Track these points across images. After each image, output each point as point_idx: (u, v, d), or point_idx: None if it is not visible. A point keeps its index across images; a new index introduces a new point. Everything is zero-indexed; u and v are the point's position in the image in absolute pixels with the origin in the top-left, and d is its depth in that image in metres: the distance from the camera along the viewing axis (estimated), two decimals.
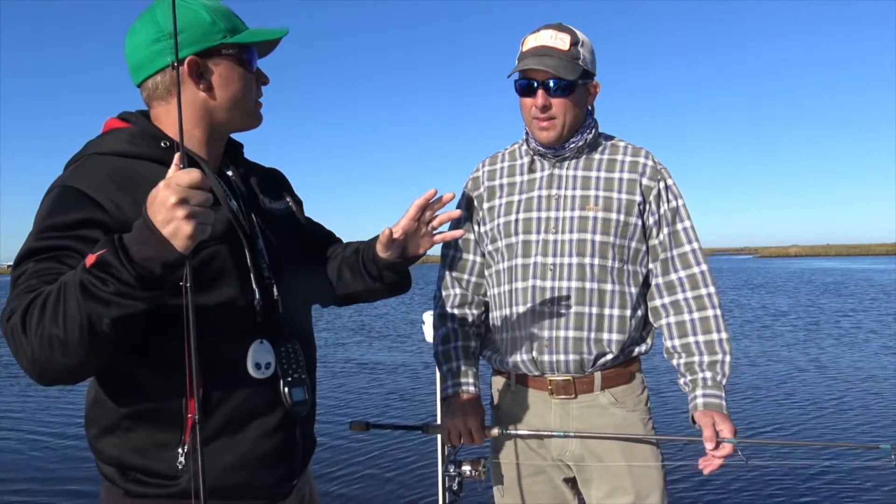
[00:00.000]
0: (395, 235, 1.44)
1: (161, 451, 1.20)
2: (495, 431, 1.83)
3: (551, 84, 1.72)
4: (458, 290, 1.94)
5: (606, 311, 1.77)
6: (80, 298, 0.99)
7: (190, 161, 1.24)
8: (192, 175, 0.97)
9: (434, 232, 1.49)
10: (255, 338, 1.26)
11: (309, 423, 1.40)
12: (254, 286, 1.27)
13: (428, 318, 2.06)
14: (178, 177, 0.97)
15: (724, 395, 1.75)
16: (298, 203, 1.54)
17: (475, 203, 1.94)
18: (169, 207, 0.96)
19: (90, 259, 1.00)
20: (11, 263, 1.18)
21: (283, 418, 1.30)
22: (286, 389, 1.29)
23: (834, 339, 11.62)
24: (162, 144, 1.24)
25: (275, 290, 1.31)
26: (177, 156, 1.01)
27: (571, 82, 1.72)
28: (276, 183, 1.50)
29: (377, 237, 1.46)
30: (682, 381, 1.82)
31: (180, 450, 1.19)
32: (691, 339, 1.80)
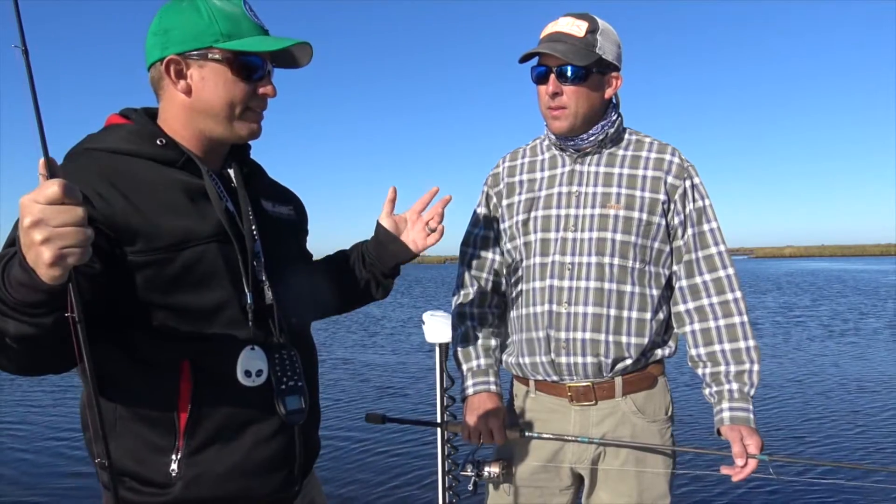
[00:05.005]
0: (399, 216, 1.58)
1: (155, 456, 1.18)
2: (516, 433, 1.78)
3: (562, 70, 1.67)
4: (476, 289, 1.90)
5: (625, 314, 1.72)
6: None
7: (187, 159, 1.22)
8: (50, 189, 0.83)
9: (430, 230, 1.56)
10: (247, 344, 1.22)
11: (311, 427, 1.37)
12: (246, 290, 1.23)
13: (428, 318, 2.02)
14: (37, 192, 0.84)
15: (751, 407, 1.70)
16: (304, 230, 1.53)
17: (495, 199, 1.89)
18: (25, 230, 0.84)
19: None
20: None
21: (281, 425, 1.27)
22: (279, 398, 1.25)
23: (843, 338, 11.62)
24: (158, 142, 1.22)
25: (269, 293, 1.28)
26: (40, 162, 0.86)
27: (583, 69, 1.66)
28: (283, 192, 1.48)
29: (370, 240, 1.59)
30: (707, 391, 1.77)
31: (174, 456, 1.17)
32: (717, 347, 1.75)
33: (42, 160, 0.86)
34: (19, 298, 0.91)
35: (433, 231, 1.55)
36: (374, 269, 1.58)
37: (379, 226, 1.58)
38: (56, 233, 0.84)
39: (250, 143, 1.40)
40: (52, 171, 0.86)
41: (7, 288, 0.91)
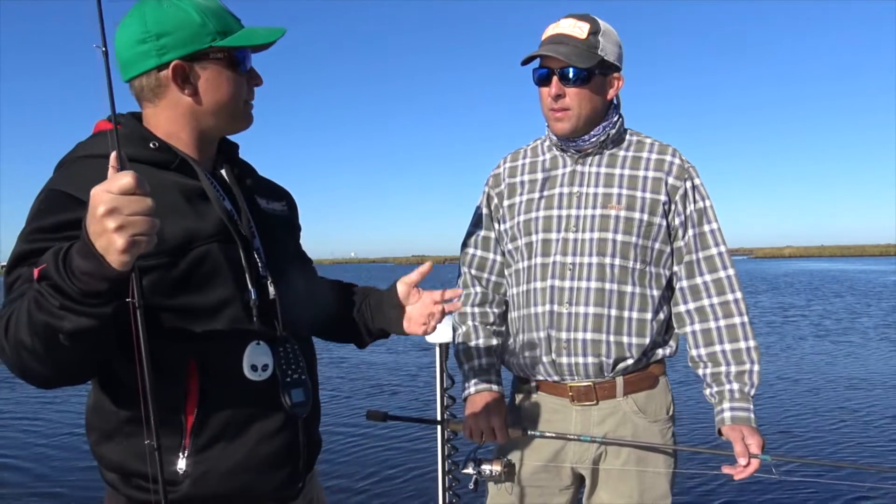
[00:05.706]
0: (409, 292, 1.47)
1: (162, 456, 1.16)
2: (518, 432, 1.79)
3: (564, 73, 1.68)
4: (478, 289, 1.91)
5: (626, 314, 1.73)
6: (34, 310, 0.97)
7: (181, 161, 1.22)
8: (124, 180, 0.89)
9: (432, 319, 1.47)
10: (252, 339, 1.23)
11: (313, 423, 1.38)
12: (249, 286, 1.24)
13: None
14: (109, 182, 0.89)
15: (752, 407, 1.72)
16: (297, 225, 1.53)
17: (496, 200, 1.90)
18: (98, 218, 0.89)
19: (36, 271, 0.96)
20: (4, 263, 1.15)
21: (285, 420, 1.27)
22: (285, 391, 1.26)
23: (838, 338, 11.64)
24: (150, 146, 1.22)
25: (271, 289, 1.28)
26: (112, 156, 0.92)
27: (586, 71, 1.67)
28: (275, 189, 1.48)
29: (385, 292, 1.53)
30: (707, 391, 1.78)
31: (181, 454, 1.18)
32: (717, 347, 1.76)
33: (114, 154, 0.92)
34: (83, 288, 0.93)
35: (427, 324, 1.47)
36: (361, 319, 1.56)
37: (393, 286, 1.51)
38: (129, 221, 0.89)
39: (238, 143, 1.41)
40: (122, 164, 0.92)
41: (70, 279, 0.93)
